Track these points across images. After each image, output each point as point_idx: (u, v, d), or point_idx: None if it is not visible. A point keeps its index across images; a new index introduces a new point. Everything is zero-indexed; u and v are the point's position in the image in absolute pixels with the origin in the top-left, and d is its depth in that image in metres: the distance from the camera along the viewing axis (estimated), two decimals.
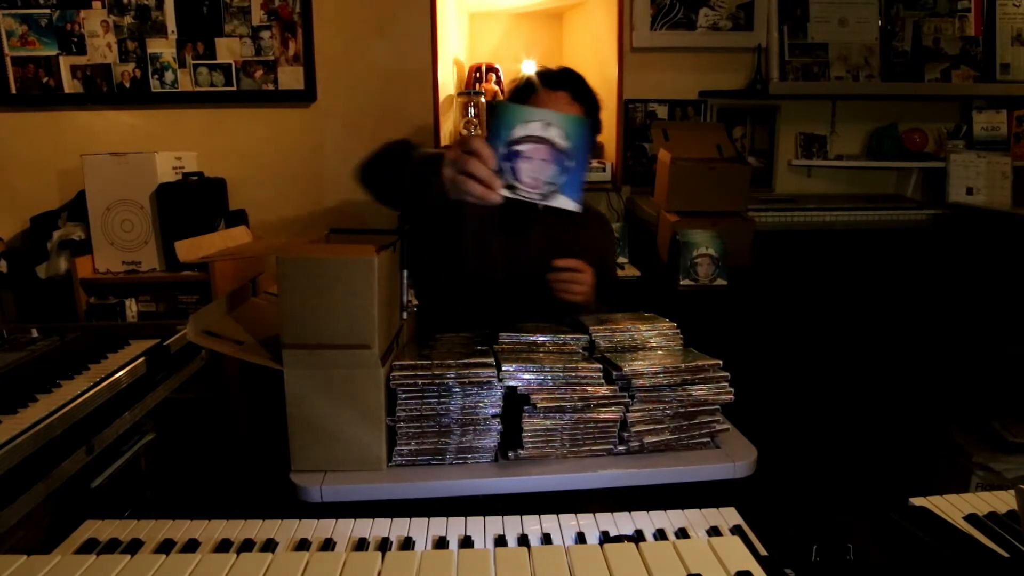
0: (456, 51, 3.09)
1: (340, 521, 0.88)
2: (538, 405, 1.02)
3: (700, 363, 1.09)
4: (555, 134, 1.10)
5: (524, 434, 1.02)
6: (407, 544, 0.84)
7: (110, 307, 2.49)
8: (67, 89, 2.79)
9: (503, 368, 1.02)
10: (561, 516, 0.90)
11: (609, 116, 2.92)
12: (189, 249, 2.48)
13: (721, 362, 1.10)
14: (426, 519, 0.88)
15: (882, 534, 0.90)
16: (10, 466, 1.00)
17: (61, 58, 2.77)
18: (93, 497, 1.30)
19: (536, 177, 1.10)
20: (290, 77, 2.83)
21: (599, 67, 2.96)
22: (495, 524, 0.88)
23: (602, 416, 1.04)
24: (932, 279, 2.65)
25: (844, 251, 2.72)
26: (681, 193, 2.51)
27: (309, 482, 0.98)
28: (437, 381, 1.01)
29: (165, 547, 0.84)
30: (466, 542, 0.84)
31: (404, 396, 1.01)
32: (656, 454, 1.06)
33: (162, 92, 2.81)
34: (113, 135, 2.81)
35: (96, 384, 1.25)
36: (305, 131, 2.88)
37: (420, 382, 1.01)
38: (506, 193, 1.09)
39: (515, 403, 1.03)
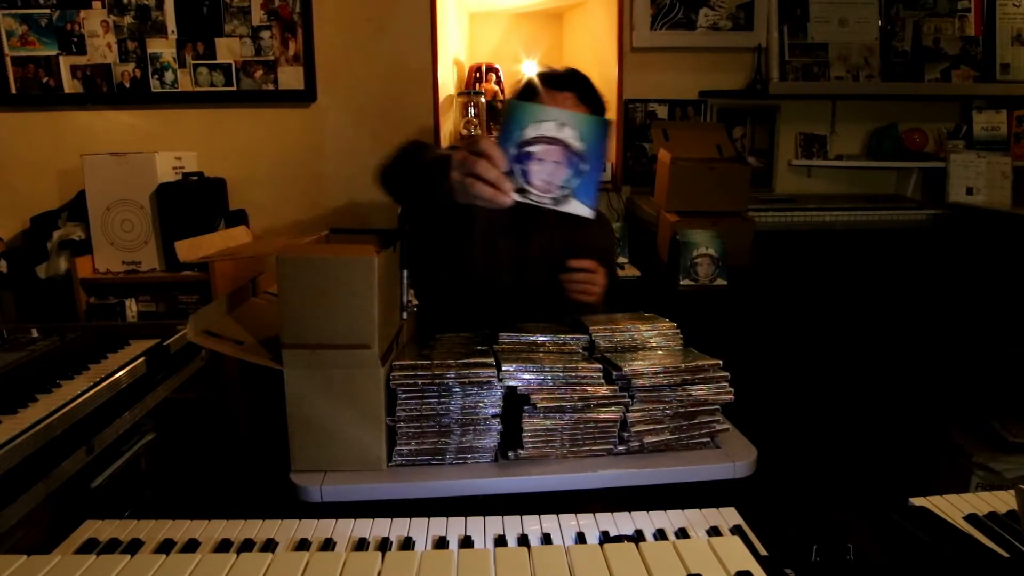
0: (456, 51, 3.09)
1: (340, 521, 0.88)
2: (538, 405, 1.02)
3: (700, 363, 1.09)
4: (569, 135, 1.04)
5: (524, 434, 1.02)
6: (407, 544, 0.84)
7: (110, 307, 2.49)
8: (67, 89, 2.79)
9: (503, 368, 1.02)
10: (561, 516, 0.90)
11: (609, 116, 2.92)
12: (189, 249, 2.48)
13: (721, 362, 1.10)
14: (426, 519, 0.88)
15: (882, 534, 0.90)
16: (10, 466, 1.00)
17: (61, 58, 2.77)
18: (93, 497, 1.30)
19: (548, 180, 1.05)
20: (290, 77, 2.83)
21: (599, 67, 2.96)
22: (495, 524, 0.88)
23: (602, 416, 1.04)
24: (932, 279, 2.65)
25: (844, 251, 2.72)
26: (681, 193, 2.51)
27: (309, 482, 0.98)
28: (437, 381, 1.01)
29: (165, 547, 0.84)
30: (466, 542, 0.84)
31: (404, 396, 1.01)
32: (656, 454, 1.06)
33: (162, 92, 2.81)
34: (113, 135, 2.82)
35: (96, 384, 1.25)
36: (305, 131, 2.88)
37: (420, 382, 1.01)
38: (517, 197, 1.04)
39: (515, 403, 1.03)
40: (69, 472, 1.11)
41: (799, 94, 3.01)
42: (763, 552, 0.82)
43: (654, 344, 1.20)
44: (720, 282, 2.43)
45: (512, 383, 1.03)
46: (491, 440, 1.03)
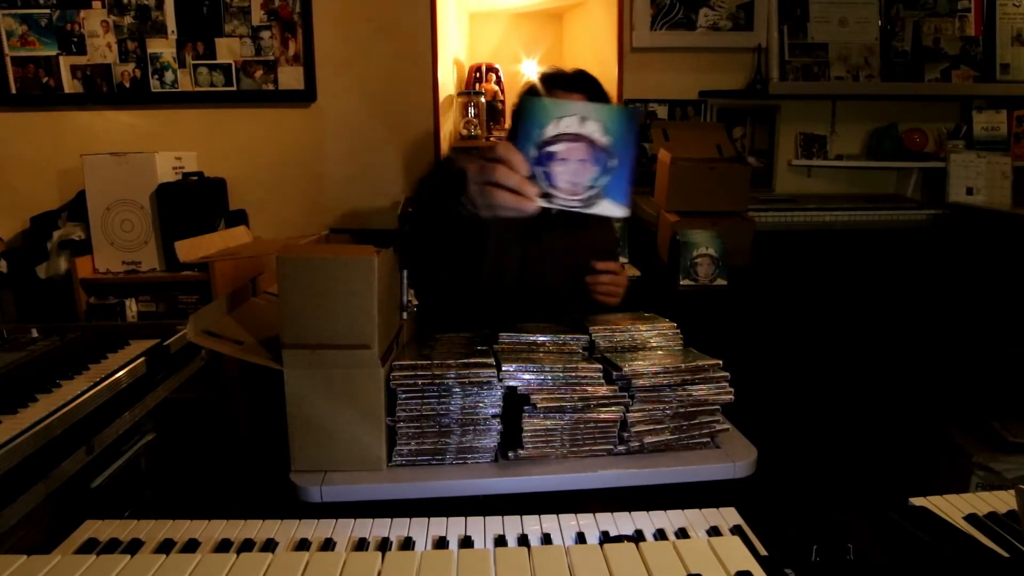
0: (456, 51, 3.09)
1: (340, 521, 0.88)
2: (538, 405, 1.02)
3: (700, 363, 1.09)
4: (593, 129, 0.94)
5: (524, 434, 1.02)
6: (407, 544, 0.84)
7: (110, 307, 2.49)
8: (67, 89, 2.79)
9: (503, 368, 1.02)
10: (561, 516, 0.90)
11: None
12: (189, 249, 2.48)
13: (721, 362, 1.10)
14: (426, 519, 0.88)
15: (882, 534, 0.90)
16: (10, 466, 1.00)
17: (61, 58, 2.77)
18: (93, 497, 1.30)
19: (575, 182, 0.95)
20: (290, 77, 2.83)
21: (599, 67, 2.95)
22: (495, 524, 0.88)
23: (602, 416, 1.04)
24: (932, 279, 2.65)
25: (844, 251, 2.72)
26: (681, 193, 2.51)
27: (309, 482, 0.98)
28: (437, 381, 1.01)
29: (165, 547, 0.84)
30: (466, 542, 0.84)
31: (404, 396, 1.01)
32: (656, 454, 1.06)
33: (162, 92, 2.81)
34: (113, 135, 2.82)
35: (96, 384, 1.25)
36: (305, 131, 2.88)
37: (420, 382, 1.01)
38: (543, 203, 0.94)
39: (515, 403, 1.03)
40: (69, 472, 1.11)
41: (799, 94, 3.01)
42: (763, 552, 0.82)
43: (654, 344, 1.20)
44: (720, 282, 2.43)
45: (512, 383, 1.02)
46: (491, 440, 1.03)
